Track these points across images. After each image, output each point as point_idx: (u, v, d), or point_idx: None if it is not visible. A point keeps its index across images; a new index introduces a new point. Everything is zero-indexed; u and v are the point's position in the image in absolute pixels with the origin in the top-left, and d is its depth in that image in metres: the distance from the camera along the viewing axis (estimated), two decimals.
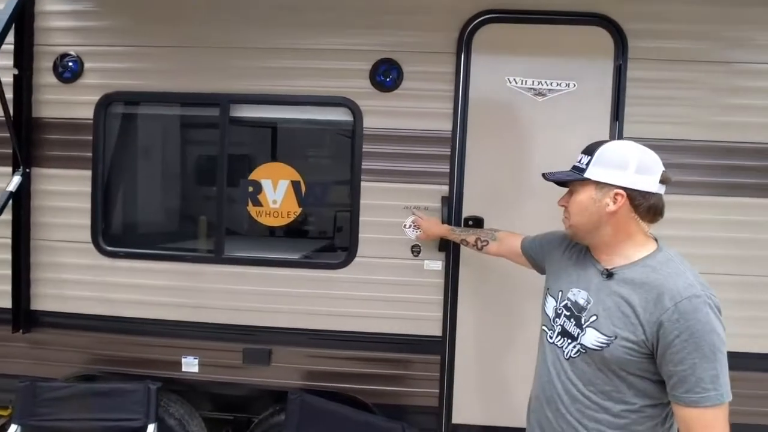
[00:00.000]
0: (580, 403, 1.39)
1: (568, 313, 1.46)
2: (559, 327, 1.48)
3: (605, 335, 1.34)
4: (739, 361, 2.45)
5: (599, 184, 1.38)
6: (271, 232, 2.74)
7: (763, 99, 2.52)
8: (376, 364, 2.61)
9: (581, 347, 1.39)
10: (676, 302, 1.25)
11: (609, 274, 1.39)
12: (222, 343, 2.65)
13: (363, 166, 2.58)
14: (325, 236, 2.80)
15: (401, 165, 2.58)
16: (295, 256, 2.73)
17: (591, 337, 1.37)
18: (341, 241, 2.69)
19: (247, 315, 2.64)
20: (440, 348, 2.59)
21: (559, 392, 1.44)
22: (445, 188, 2.57)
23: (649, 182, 1.35)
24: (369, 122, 2.57)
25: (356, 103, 2.57)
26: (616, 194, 1.36)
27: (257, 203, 2.67)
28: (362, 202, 2.58)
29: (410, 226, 2.57)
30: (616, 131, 2.51)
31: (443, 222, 2.51)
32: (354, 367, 2.62)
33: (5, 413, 3.20)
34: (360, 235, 2.59)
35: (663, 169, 1.39)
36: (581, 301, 1.43)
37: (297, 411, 2.42)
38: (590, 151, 1.42)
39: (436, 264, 2.58)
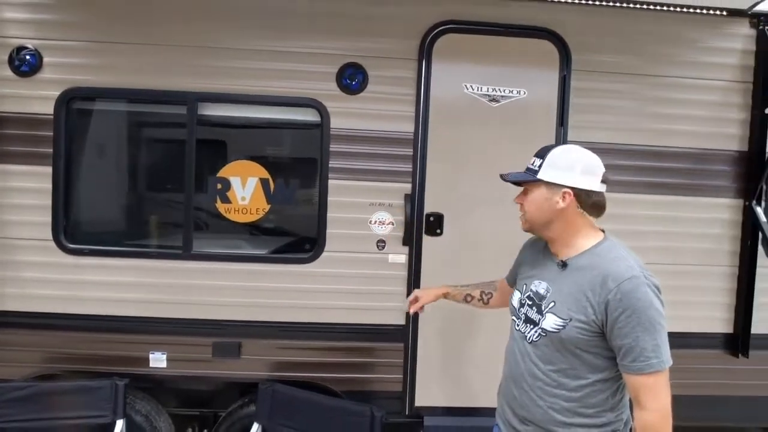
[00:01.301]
0: (541, 381, 1.55)
1: (530, 303, 1.62)
2: (524, 315, 1.63)
3: (562, 318, 1.50)
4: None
5: (550, 184, 1.55)
6: (240, 228, 2.79)
7: (687, 109, 2.86)
8: (343, 353, 2.75)
9: (542, 331, 1.55)
10: (619, 283, 1.42)
11: (563, 264, 1.57)
12: (191, 338, 2.69)
13: (330, 165, 2.70)
14: (294, 232, 2.89)
15: (366, 164, 2.72)
16: (264, 252, 2.81)
17: (550, 321, 1.53)
18: (309, 237, 2.79)
19: (216, 309, 2.70)
20: (404, 336, 2.77)
21: (523, 373, 1.60)
22: (408, 186, 2.74)
23: (592, 182, 1.54)
24: (336, 123, 2.69)
25: (323, 104, 2.68)
26: (565, 193, 1.53)
27: (226, 200, 2.73)
28: (330, 199, 2.71)
29: (375, 222, 2.72)
30: (561, 136, 2.77)
31: (407, 220, 2.68)
32: (322, 357, 2.75)
33: None
34: (327, 231, 2.71)
35: (604, 170, 1.57)
36: (542, 291, 1.60)
37: (268, 400, 2.52)
38: (542, 154, 1.60)
39: (399, 257, 2.75)
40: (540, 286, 1.62)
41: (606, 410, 1.52)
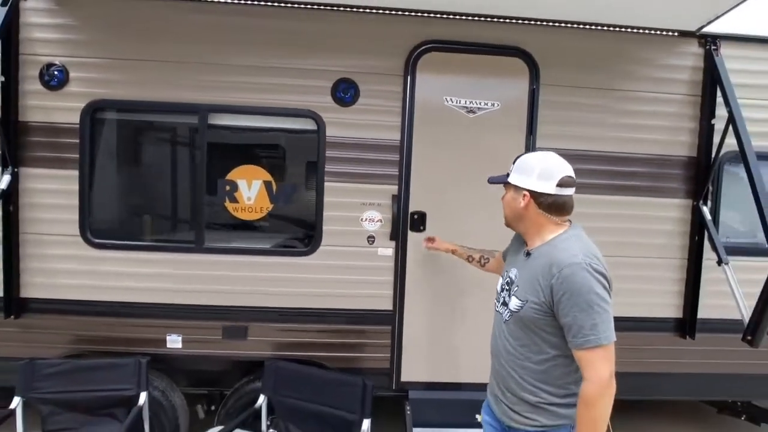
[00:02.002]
0: (513, 355, 1.77)
1: (507, 288, 1.84)
2: (502, 299, 1.86)
3: (521, 300, 1.72)
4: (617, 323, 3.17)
5: (516, 187, 1.78)
6: (246, 224, 3.12)
7: (645, 120, 3.20)
8: (337, 335, 3.09)
9: (510, 312, 1.77)
10: (560, 269, 1.60)
11: (528, 254, 1.80)
12: (203, 322, 3.03)
13: (326, 169, 3.03)
14: (294, 228, 3.22)
15: (358, 168, 3.05)
16: (267, 246, 3.14)
17: (514, 303, 1.75)
18: (307, 232, 3.12)
19: (225, 297, 3.03)
20: (391, 320, 3.11)
21: (500, 349, 1.83)
22: (395, 188, 3.07)
23: (548, 186, 1.71)
24: (331, 132, 3.02)
25: (320, 115, 3.01)
26: (524, 195, 1.75)
27: (233, 200, 3.06)
28: (326, 199, 3.04)
29: (366, 219, 3.06)
30: (531, 143, 3.11)
31: (394, 218, 3.03)
32: (319, 338, 3.09)
33: None
34: (324, 227, 3.05)
35: (564, 175, 1.71)
36: (513, 277, 1.82)
37: (273, 375, 2.87)
38: (515, 160, 1.84)
39: (387, 251, 3.09)
40: (512, 273, 1.85)
41: (569, 383, 1.70)
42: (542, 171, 1.73)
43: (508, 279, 1.87)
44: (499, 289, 1.92)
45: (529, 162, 1.78)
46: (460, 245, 2.72)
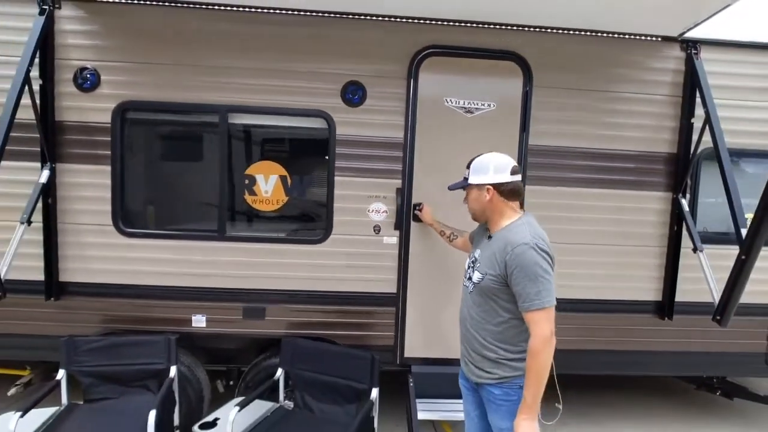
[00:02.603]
0: (475, 320, 2.15)
1: (472, 265, 2.21)
2: (468, 274, 2.23)
3: (481, 273, 2.10)
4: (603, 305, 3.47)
5: (478, 185, 2.14)
6: (264, 215, 3.41)
7: (630, 119, 3.46)
8: (346, 315, 3.39)
9: (474, 284, 2.14)
10: (513, 248, 1.98)
11: (489, 237, 2.17)
12: (225, 303, 3.33)
13: (336, 164, 3.30)
14: (307, 218, 3.50)
15: (365, 164, 3.32)
16: (283, 234, 3.43)
17: (476, 276, 2.12)
18: (319, 222, 3.40)
19: (245, 280, 3.33)
20: (395, 301, 3.41)
21: (466, 315, 2.22)
22: (399, 181, 3.34)
23: (504, 176, 2.11)
24: (341, 130, 3.29)
25: (330, 115, 3.28)
26: (487, 189, 2.11)
27: (252, 193, 3.34)
28: (336, 192, 3.32)
29: (372, 211, 3.34)
30: (524, 141, 3.37)
31: (398, 209, 3.32)
32: (329, 318, 3.39)
33: (24, 373, 3.74)
34: (334, 218, 3.33)
35: (512, 164, 2.12)
36: (477, 256, 2.19)
37: (290, 350, 3.19)
38: (468, 165, 2.21)
39: (392, 239, 3.37)
40: (476, 253, 2.22)
41: (521, 341, 2.07)
42: (496, 166, 2.13)
43: (473, 258, 2.24)
44: (466, 266, 2.28)
45: (483, 162, 2.16)
46: (438, 221, 3.11)
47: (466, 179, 2.20)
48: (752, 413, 4.21)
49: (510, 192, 2.13)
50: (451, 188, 2.33)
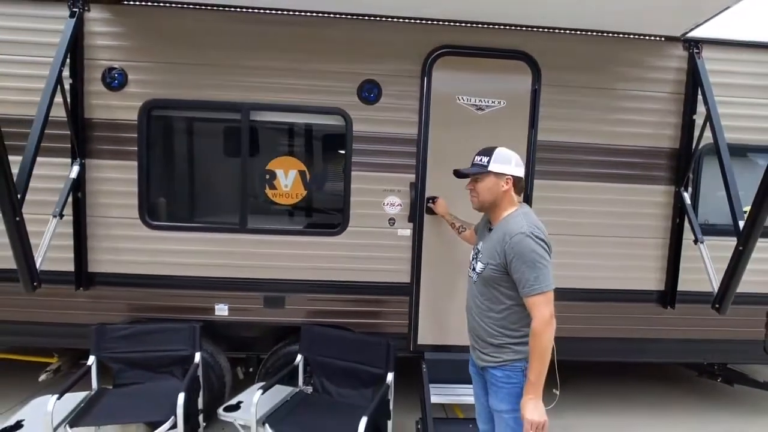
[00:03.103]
0: (480, 308, 2.26)
1: (475, 256, 2.32)
2: (472, 265, 2.33)
3: (483, 263, 2.21)
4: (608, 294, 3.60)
5: (498, 174, 2.21)
6: (284, 208, 3.55)
7: (635, 115, 3.59)
8: (362, 304, 3.54)
9: (477, 274, 2.26)
10: (511, 237, 2.07)
11: (490, 229, 2.28)
12: (246, 293, 3.48)
13: (353, 160, 3.45)
14: (325, 211, 3.65)
15: (381, 159, 3.46)
16: (302, 227, 3.58)
17: (479, 266, 2.24)
18: (336, 215, 3.53)
19: (266, 271, 3.48)
20: (409, 291, 3.56)
21: (471, 305, 2.34)
22: (413, 176, 3.48)
23: (521, 171, 2.26)
24: (357, 127, 3.43)
25: (347, 112, 3.42)
26: (507, 179, 2.21)
27: (273, 187, 3.49)
28: (352, 186, 3.46)
29: (387, 204, 3.48)
30: (533, 137, 3.50)
31: (411, 202, 3.45)
32: (346, 306, 3.54)
33: (52, 360, 3.90)
34: (351, 211, 3.47)
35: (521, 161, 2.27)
36: (479, 248, 2.31)
37: (309, 337, 3.34)
38: (488, 153, 2.23)
39: (406, 231, 3.51)
40: (479, 245, 2.34)
41: (523, 326, 2.16)
42: (517, 160, 2.27)
43: (476, 250, 2.36)
44: (470, 258, 2.39)
45: (507, 154, 2.26)
46: (450, 214, 3.26)
47: (482, 166, 2.24)
48: (752, 399, 4.35)
49: (521, 187, 2.30)
50: (464, 172, 2.32)
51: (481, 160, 2.26)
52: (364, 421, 2.59)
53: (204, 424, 3.41)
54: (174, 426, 2.83)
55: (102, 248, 3.44)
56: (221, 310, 3.50)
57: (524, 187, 2.30)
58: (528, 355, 2.10)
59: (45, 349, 3.88)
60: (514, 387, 2.17)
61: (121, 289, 3.46)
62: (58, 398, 2.79)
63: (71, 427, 2.76)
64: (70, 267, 3.38)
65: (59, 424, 2.77)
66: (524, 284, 2.06)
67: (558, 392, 2.31)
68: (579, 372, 3.33)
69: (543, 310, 2.03)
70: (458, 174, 2.38)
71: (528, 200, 3.46)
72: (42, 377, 3.68)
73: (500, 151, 2.25)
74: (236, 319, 3.52)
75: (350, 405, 3.11)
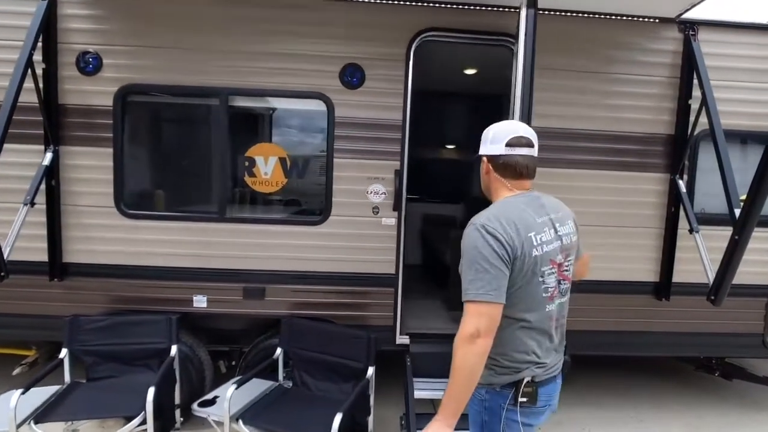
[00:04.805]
0: None
1: None
2: None
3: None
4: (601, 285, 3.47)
5: (480, 157, 1.83)
6: (264, 196, 3.45)
7: (630, 100, 3.46)
8: (346, 296, 3.43)
9: None
10: (465, 228, 1.69)
11: None
12: (226, 284, 3.38)
13: (335, 146, 3.33)
14: (307, 200, 3.54)
15: (364, 146, 3.35)
16: (282, 216, 3.47)
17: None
18: (318, 204, 3.43)
19: (245, 261, 3.37)
20: (394, 282, 3.44)
21: None
22: (397, 163, 3.37)
23: (497, 148, 1.74)
24: (339, 112, 3.32)
25: (329, 97, 3.30)
26: (483, 161, 1.80)
27: (252, 175, 3.38)
28: (335, 174, 3.35)
29: (371, 192, 3.37)
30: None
31: (396, 191, 3.32)
32: (329, 298, 3.42)
33: (30, 353, 3.81)
34: (333, 199, 3.36)
35: (512, 135, 1.72)
36: None
37: (289, 330, 3.23)
38: None
39: (390, 220, 3.40)
40: None
41: (500, 344, 1.66)
42: (494, 135, 1.78)
43: None
44: None
45: (487, 131, 1.82)
46: None
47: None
48: (751, 394, 4.23)
49: (503, 167, 1.75)
50: (473, 159, 1.96)
51: None
52: (338, 417, 2.48)
53: (182, 419, 3.30)
54: (144, 421, 2.72)
55: (76, 238, 3.34)
56: (200, 302, 3.40)
57: (513, 166, 1.75)
58: (486, 380, 1.70)
59: (24, 342, 3.79)
60: (473, 414, 1.82)
61: (96, 279, 3.36)
62: (23, 393, 2.67)
63: (36, 423, 2.65)
64: (44, 257, 3.28)
65: (24, 421, 2.65)
66: (463, 284, 1.63)
67: None
68: (573, 365, 3.23)
69: (465, 323, 1.57)
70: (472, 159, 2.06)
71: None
72: (16, 371, 3.59)
73: (485, 130, 1.85)
74: (215, 311, 3.41)
75: (329, 400, 2.99)
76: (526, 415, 1.73)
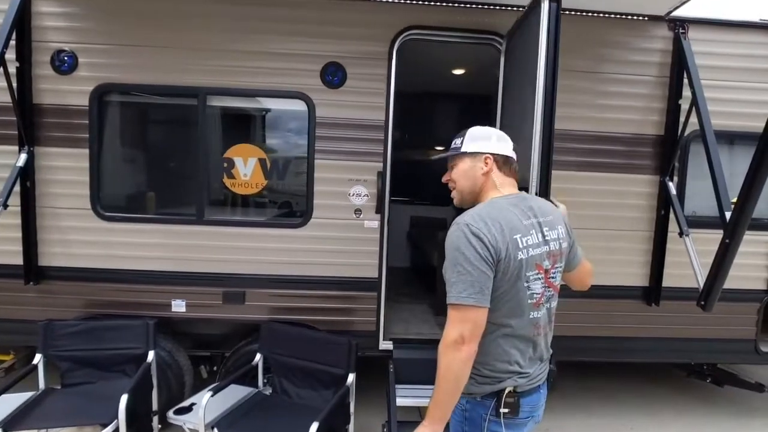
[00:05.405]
0: None
1: None
2: None
3: None
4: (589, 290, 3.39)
5: (473, 154, 1.74)
6: (243, 199, 3.37)
7: (619, 100, 3.37)
8: (327, 301, 3.35)
9: None
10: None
11: None
12: (205, 288, 3.30)
13: (316, 147, 3.26)
14: (287, 202, 3.46)
15: (346, 146, 3.27)
16: (262, 218, 3.40)
17: None
18: (299, 206, 3.36)
19: (225, 265, 3.30)
20: (377, 286, 3.37)
21: None
22: (380, 165, 3.29)
23: (507, 148, 1.76)
24: (320, 112, 3.24)
25: (310, 97, 3.23)
26: (486, 158, 1.73)
27: (231, 176, 3.31)
28: (316, 175, 3.27)
29: (353, 194, 3.29)
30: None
31: (379, 193, 3.24)
32: (310, 303, 3.35)
33: (7, 358, 3.74)
34: (314, 201, 3.29)
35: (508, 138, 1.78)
36: None
37: (268, 335, 3.16)
38: (461, 134, 1.79)
39: (373, 223, 3.32)
40: None
41: (481, 353, 1.60)
42: (500, 135, 1.79)
43: None
44: None
45: (485, 130, 1.80)
46: None
47: (456, 148, 1.80)
48: (742, 401, 4.15)
49: (510, 170, 1.76)
50: (448, 155, 1.86)
51: (455, 143, 1.82)
52: (314, 427, 2.40)
53: (160, 426, 3.23)
54: (117, 429, 2.65)
55: (52, 240, 3.26)
56: (178, 306, 3.32)
57: (516, 171, 1.79)
58: (467, 389, 1.63)
59: (1, 346, 3.72)
60: (455, 425, 1.77)
61: (73, 283, 3.29)
62: None
63: (5, 431, 2.58)
64: (19, 260, 3.20)
65: None
66: (446, 285, 1.59)
67: None
68: (562, 371, 3.15)
69: (448, 328, 1.53)
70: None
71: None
72: None
73: (475, 129, 1.80)
74: (194, 316, 3.34)
75: (308, 407, 2.91)
76: (509, 426, 1.67)
